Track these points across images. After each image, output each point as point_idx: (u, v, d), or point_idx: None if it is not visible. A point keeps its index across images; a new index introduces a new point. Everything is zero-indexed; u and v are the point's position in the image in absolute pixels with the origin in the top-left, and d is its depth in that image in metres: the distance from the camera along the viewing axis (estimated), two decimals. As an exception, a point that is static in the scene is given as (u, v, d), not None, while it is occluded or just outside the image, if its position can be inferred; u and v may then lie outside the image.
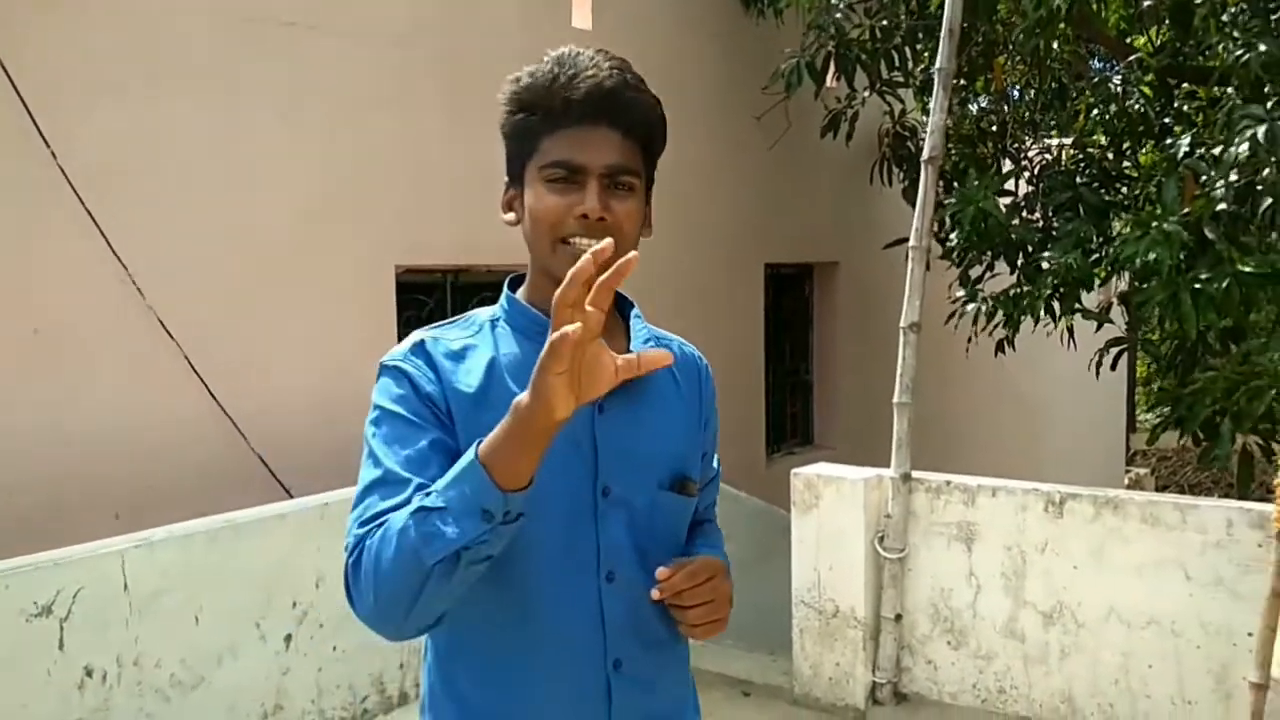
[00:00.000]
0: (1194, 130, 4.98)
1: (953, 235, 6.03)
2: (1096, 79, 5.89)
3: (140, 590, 3.21)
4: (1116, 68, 5.74)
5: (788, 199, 7.82)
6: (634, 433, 1.34)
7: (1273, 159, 4.27)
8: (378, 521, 1.18)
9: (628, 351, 1.27)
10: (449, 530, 1.10)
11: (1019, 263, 5.97)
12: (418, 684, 4.24)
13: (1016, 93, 7.47)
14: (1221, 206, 4.58)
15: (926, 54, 6.72)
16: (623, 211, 1.29)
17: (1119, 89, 5.71)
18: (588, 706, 1.31)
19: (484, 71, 5.85)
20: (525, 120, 1.31)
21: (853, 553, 4.08)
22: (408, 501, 1.17)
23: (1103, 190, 6.06)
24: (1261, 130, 4.15)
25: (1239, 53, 4.66)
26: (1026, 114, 7.23)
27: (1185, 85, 5.71)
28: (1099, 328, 5.82)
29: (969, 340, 6.04)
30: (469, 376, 1.30)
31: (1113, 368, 5.75)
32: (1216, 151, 4.40)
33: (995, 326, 5.86)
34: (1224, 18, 5.23)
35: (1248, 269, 4.51)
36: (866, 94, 6.93)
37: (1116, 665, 3.70)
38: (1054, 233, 5.86)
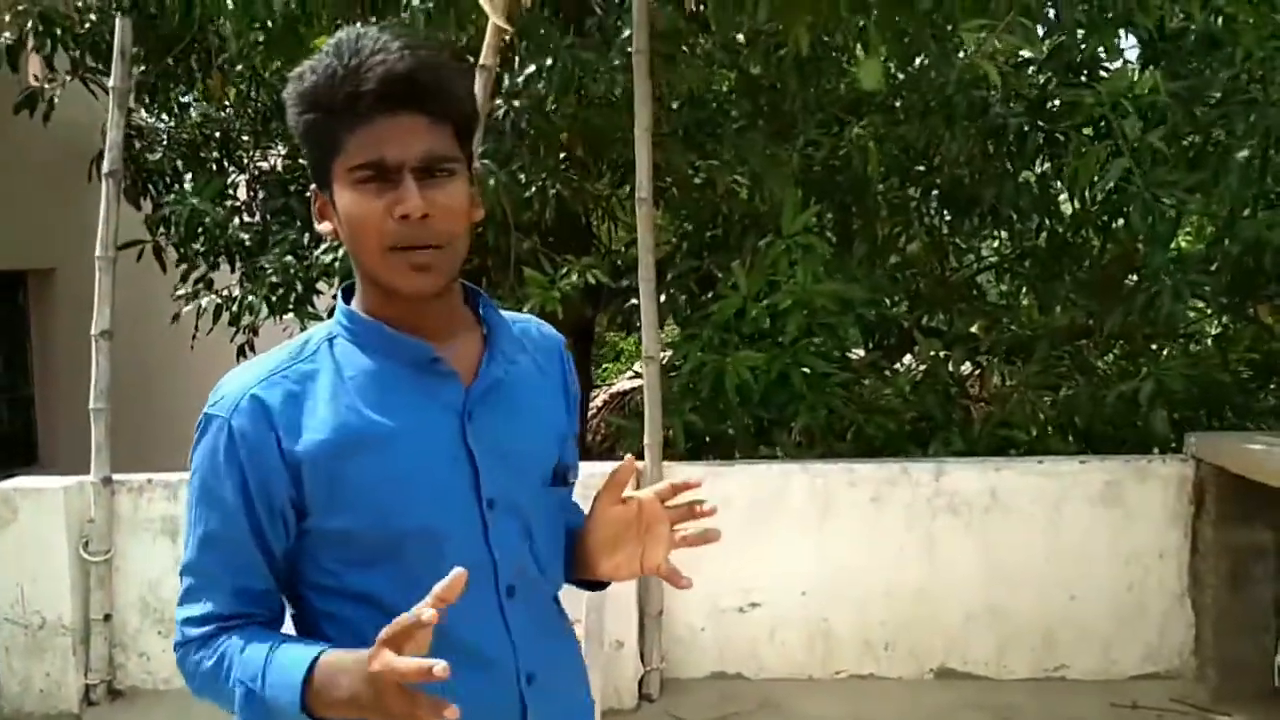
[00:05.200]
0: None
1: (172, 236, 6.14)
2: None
3: None
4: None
5: (-12, 200, 7.11)
6: (509, 432, 1.28)
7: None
8: (201, 636, 1.24)
9: (485, 346, 1.30)
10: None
11: (239, 265, 6.26)
12: None
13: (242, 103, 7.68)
14: None
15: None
16: (446, 202, 1.20)
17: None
18: None
19: None
20: (318, 120, 1.20)
21: (57, 562, 4.05)
22: (228, 614, 1.24)
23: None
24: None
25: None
26: (249, 124, 7.51)
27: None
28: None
29: (193, 338, 6.15)
30: (313, 419, 1.21)
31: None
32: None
33: (229, 324, 6.04)
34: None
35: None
36: (69, 78, 6.55)
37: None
38: (271, 238, 6.24)
